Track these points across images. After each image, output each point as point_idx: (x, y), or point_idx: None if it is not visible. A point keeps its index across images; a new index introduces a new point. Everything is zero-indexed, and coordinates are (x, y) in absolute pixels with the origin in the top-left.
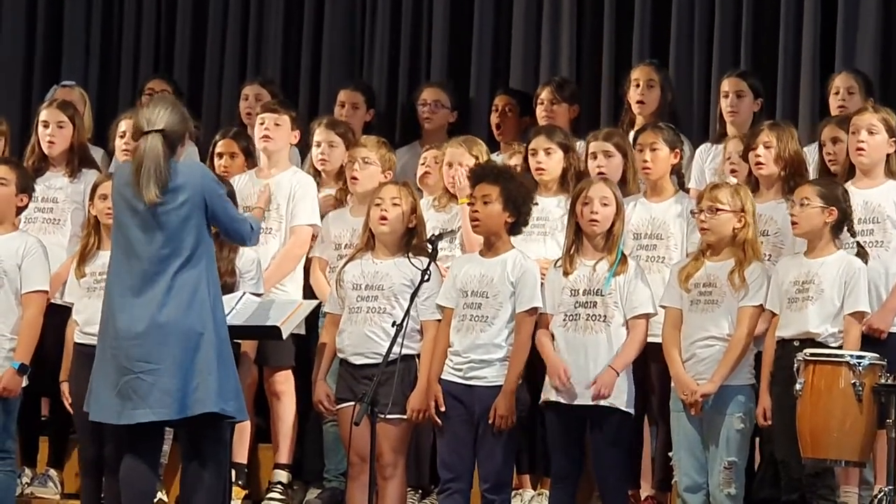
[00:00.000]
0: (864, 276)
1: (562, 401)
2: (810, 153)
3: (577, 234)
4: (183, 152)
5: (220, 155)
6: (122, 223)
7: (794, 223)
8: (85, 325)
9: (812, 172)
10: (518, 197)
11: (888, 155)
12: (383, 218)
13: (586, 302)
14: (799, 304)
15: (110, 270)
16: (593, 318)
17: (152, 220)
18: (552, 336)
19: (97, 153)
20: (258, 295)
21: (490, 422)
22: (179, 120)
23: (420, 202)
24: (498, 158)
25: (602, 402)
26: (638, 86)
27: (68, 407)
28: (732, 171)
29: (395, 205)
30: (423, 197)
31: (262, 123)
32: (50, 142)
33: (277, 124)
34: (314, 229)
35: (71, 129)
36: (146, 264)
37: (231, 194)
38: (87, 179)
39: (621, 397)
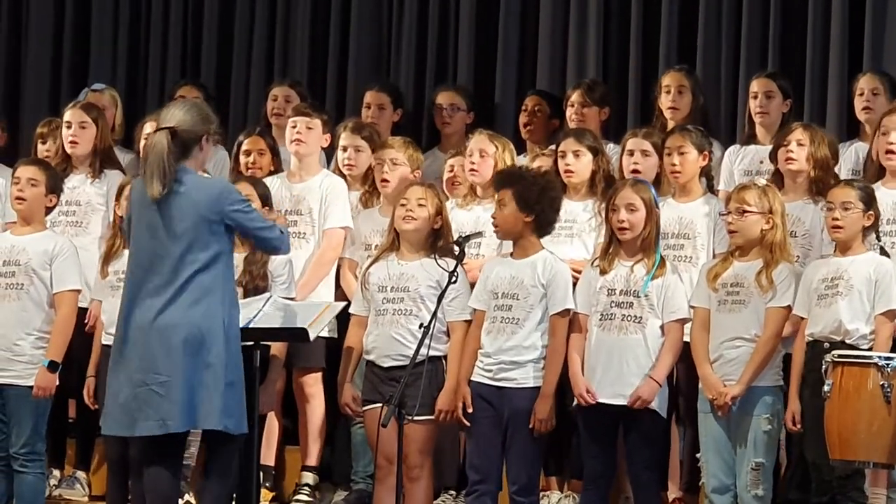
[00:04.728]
0: None
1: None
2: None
3: (613, 237)
4: (205, 156)
5: (248, 153)
6: (135, 225)
7: (839, 227)
8: (109, 326)
9: (843, 168)
10: (530, 195)
11: None
12: (409, 218)
13: (622, 302)
14: (828, 301)
15: (126, 275)
16: (629, 318)
17: (161, 222)
18: (584, 339)
19: (128, 156)
20: (289, 298)
21: (530, 426)
22: (194, 121)
23: (445, 203)
24: (522, 160)
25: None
26: (669, 92)
27: (89, 403)
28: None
29: (420, 205)
30: (448, 199)
31: (293, 127)
32: (72, 142)
33: (309, 128)
34: (346, 231)
35: (94, 131)
36: (156, 268)
37: (266, 197)
38: (111, 181)
39: (655, 399)
